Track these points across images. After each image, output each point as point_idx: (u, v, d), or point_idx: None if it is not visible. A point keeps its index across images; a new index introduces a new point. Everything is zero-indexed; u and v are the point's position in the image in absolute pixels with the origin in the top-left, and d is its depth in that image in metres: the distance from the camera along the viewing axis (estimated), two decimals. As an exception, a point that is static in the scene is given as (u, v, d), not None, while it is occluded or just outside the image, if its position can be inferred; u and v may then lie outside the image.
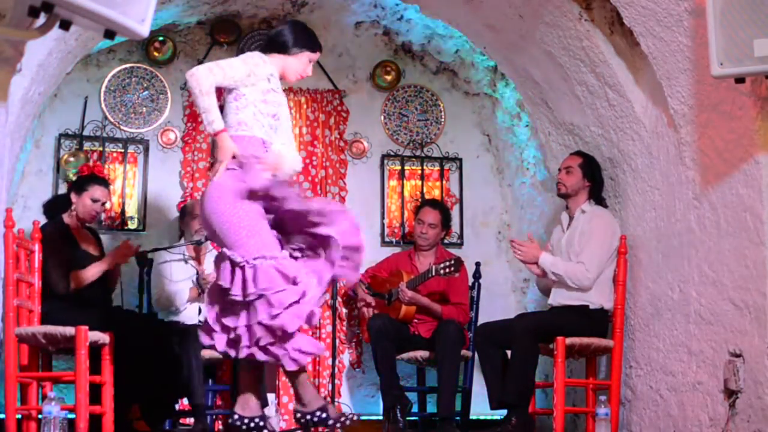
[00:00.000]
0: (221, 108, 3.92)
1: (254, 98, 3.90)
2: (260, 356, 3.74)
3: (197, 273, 5.49)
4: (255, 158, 3.82)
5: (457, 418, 5.33)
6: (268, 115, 3.94)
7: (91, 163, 5.84)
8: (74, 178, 5.23)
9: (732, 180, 4.01)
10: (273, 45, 4.07)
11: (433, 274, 5.30)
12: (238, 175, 3.79)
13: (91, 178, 5.01)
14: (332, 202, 4.06)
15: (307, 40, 4.08)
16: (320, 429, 4.49)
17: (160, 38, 6.18)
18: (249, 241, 3.72)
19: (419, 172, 6.55)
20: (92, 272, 4.84)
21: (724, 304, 4.08)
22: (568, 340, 4.67)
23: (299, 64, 4.07)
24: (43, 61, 4.51)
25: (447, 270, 5.24)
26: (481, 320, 5.40)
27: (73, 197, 4.93)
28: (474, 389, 5.43)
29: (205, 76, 3.76)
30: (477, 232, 6.58)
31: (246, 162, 3.81)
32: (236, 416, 3.89)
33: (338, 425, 3.93)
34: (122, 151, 6.10)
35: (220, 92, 3.92)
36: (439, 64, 6.61)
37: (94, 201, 4.94)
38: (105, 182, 5.08)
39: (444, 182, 6.57)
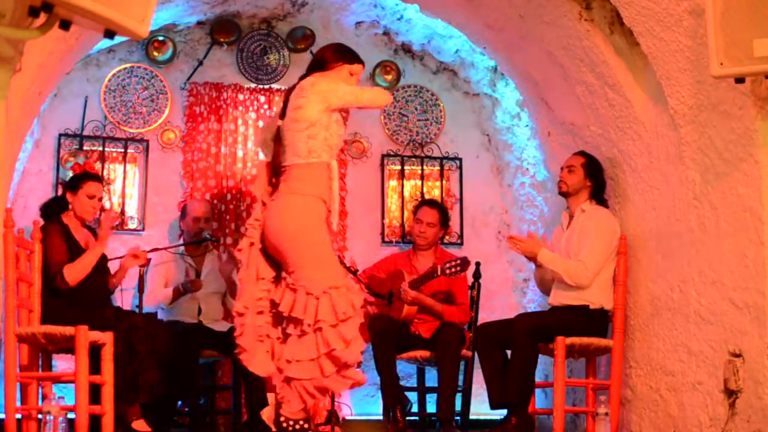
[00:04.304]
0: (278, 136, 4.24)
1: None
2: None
3: (186, 274, 5.51)
4: None
5: (457, 418, 5.32)
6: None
7: (82, 162, 5.83)
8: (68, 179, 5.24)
9: (732, 180, 4.01)
10: (312, 66, 4.34)
11: (439, 274, 5.24)
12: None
13: (84, 176, 5.01)
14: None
15: (343, 54, 4.36)
16: (320, 429, 4.49)
17: (160, 38, 6.18)
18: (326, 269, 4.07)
19: (419, 172, 6.54)
20: (87, 260, 4.80)
21: (724, 304, 4.08)
22: (568, 340, 4.67)
23: (338, 76, 4.28)
24: (43, 61, 4.51)
25: (453, 270, 5.17)
26: (481, 320, 5.39)
27: (69, 197, 4.92)
28: (474, 389, 5.42)
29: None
30: (477, 232, 6.58)
31: None
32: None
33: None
34: (122, 151, 6.10)
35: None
36: (439, 64, 6.61)
37: (90, 197, 4.93)
38: (98, 178, 5.08)
39: (444, 182, 6.56)
